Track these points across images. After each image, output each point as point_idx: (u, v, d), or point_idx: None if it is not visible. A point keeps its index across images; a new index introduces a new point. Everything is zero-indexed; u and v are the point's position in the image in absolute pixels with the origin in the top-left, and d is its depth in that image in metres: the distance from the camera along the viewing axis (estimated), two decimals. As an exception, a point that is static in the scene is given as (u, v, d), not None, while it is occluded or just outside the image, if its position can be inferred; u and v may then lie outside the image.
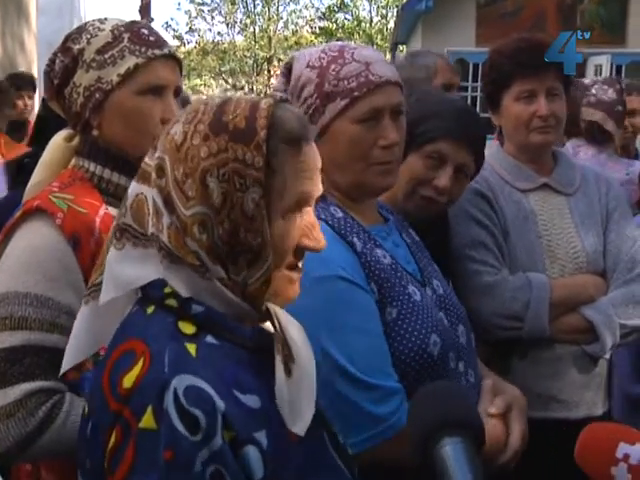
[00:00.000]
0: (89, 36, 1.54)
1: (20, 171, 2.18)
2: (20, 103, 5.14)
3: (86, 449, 1.03)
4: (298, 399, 1.07)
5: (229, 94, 1.12)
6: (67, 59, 1.54)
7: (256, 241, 1.03)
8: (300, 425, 1.05)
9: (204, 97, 1.13)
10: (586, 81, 3.33)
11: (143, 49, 1.52)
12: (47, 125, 2.09)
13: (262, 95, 1.27)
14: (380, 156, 1.52)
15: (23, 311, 1.39)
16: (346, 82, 1.49)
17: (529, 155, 2.14)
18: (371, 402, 1.34)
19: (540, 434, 1.69)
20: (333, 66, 1.51)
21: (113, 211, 1.51)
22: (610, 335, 2.02)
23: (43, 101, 2.24)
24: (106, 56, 1.52)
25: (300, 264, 1.11)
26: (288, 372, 1.07)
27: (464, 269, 2.02)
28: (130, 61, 1.51)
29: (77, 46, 1.54)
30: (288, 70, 1.60)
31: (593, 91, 3.18)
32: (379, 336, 1.44)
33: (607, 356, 2.06)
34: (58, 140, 1.64)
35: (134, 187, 1.10)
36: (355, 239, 1.50)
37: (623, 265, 2.09)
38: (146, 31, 1.56)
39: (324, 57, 1.53)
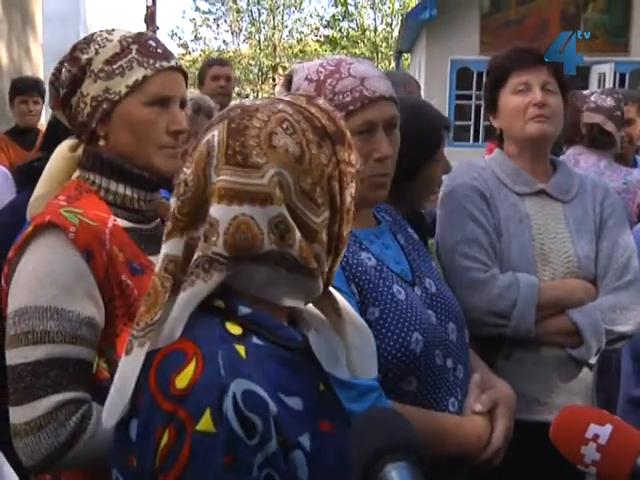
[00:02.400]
0: (97, 46, 1.55)
1: (29, 175, 2.17)
2: (23, 108, 4.93)
3: (130, 448, 1.02)
4: (362, 347, 1.20)
5: (278, 96, 1.16)
6: (75, 68, 1.55)
7: (347, 231, 1.11)
8: (371, 370, 1.21)
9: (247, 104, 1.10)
10: (585, 92, 3.41)
11: (151, 61, 1.54)
12: (57, 132, 2.09)
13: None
14: (374, 169, 1.56)
15: (45, 325, 1.39)
16: (341, 96, 1.54)
17: (528, 152, 2.17)
18: (348, 400, 1.36)
19: (523, 436, 1.71)
20: (330, 80, 1.55)
21: (120, 222, 1.53)
22: (595, 340, 2.04)
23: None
24: (114, 67, 1.53)
25: None
26: (342, 332, 1.16)
27: (455, 264, 2.04)
28: (139, 73, 1.53)
29: (85, 56, 1.54)
30: (289, 82, 1.64)
31: (592, 99, 3.24)
32: None
33: (593, 361, 2.07)
34: (63, 150, 1.65)
35: (225, 210, 1.02)
36: None
37: (613, 272, 2.11)
38: (153, 43, 1.58)
39: (322, 71, 1.57)
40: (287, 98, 1.12)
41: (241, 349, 1.01)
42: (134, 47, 1.54)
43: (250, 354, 1.02)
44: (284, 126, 1.05)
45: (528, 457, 1.90)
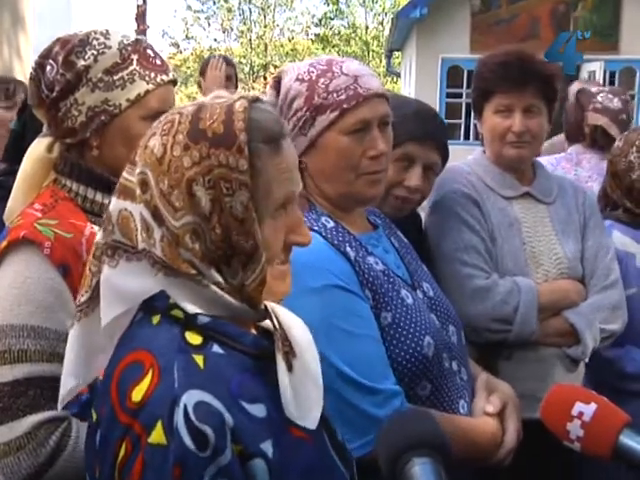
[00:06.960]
0: (95, 52, 1.51)
1: None
2: None
3: (94, 458, 1.03)
4: (304, 392, 1.08)
5: (201, 100, 1.11)
6: (70, 74, 1.50)
7: (248, 243, 1.03)
8: (310, 418, 1.07)
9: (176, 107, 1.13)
10: (593, 89, 3.35)
11: (152, 74, 1.53)
12: (23, 140, 2.00)
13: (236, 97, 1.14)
14: (369, 166, 1.56)
15: (21, 344, 1.37)
16: (335, 95, 1.53)
17: (506, 166, 2.20)
18: (372, 405, 1.37)
19: (528, 434, 1.73)
20: (322, 79, 1.55)
21: (97, 229, 1.47)
22: (591, 339, 2.08)
23: (18, 115, 2.14)
24: (115, 78, 1.50)
25: (289, 257, 1.13)
26: (290, 367, 1.07)
27: (456, 272, 2.04)
28: (140, 87, 1.51)
29: (82, 62, 1.50)
30: (277, 83, 1.63)
31: (599, 98, 3.21)
32: (376, 340, 1.48)
33: (587, 359, 2.12)
34: (39, 150, 1.58)
35: (116, 203, 1.08)
36: (348, 248, 1.54)
37: (601, 272, 2.16)
38: (151, 52, 1.57)
39: (313, 71, 1.57)
40: (215, 97, 1.09)
41: (199, 359, 1.01)
42: (134, 57, 1.53)
43: (209, 363, 1.02)
44: (165, 127, 1.06)
45: (531, 454, 1.92)
